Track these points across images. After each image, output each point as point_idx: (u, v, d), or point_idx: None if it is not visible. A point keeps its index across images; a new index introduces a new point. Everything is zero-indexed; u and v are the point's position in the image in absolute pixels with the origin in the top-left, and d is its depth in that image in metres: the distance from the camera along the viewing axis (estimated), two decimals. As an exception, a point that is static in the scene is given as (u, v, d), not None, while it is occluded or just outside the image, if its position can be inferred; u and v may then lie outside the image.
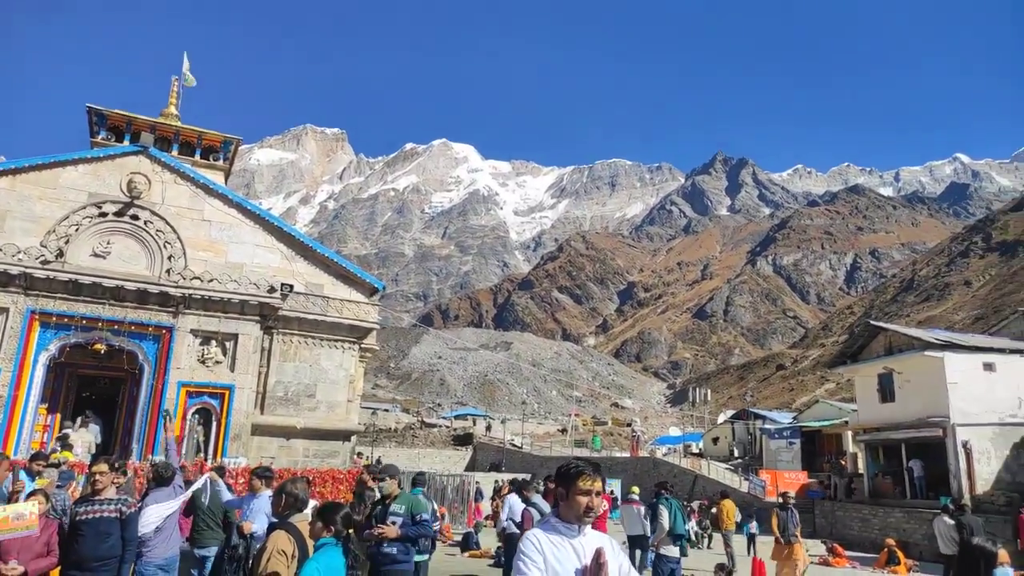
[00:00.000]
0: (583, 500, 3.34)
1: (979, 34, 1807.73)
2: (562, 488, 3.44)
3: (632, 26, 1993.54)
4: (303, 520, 4.60)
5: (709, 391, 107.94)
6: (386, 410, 79.81)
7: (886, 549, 20.25)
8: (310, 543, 4.30)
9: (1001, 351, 27.03)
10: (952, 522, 14.34)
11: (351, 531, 4.35)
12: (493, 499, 27.25)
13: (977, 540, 7.16)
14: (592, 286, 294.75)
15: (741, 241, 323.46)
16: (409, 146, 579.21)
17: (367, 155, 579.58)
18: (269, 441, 18.98)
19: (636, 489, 18.11)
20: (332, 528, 4.14)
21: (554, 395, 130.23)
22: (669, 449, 50.24)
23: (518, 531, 9.52)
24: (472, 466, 52.55)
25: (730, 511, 19.63)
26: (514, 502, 10.62)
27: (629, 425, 72.96)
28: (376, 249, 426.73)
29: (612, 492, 30.56)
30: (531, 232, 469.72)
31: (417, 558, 8.85)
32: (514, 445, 56.35)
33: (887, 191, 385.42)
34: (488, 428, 66.28)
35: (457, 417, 78.33)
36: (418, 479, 10.26)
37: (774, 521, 14.77)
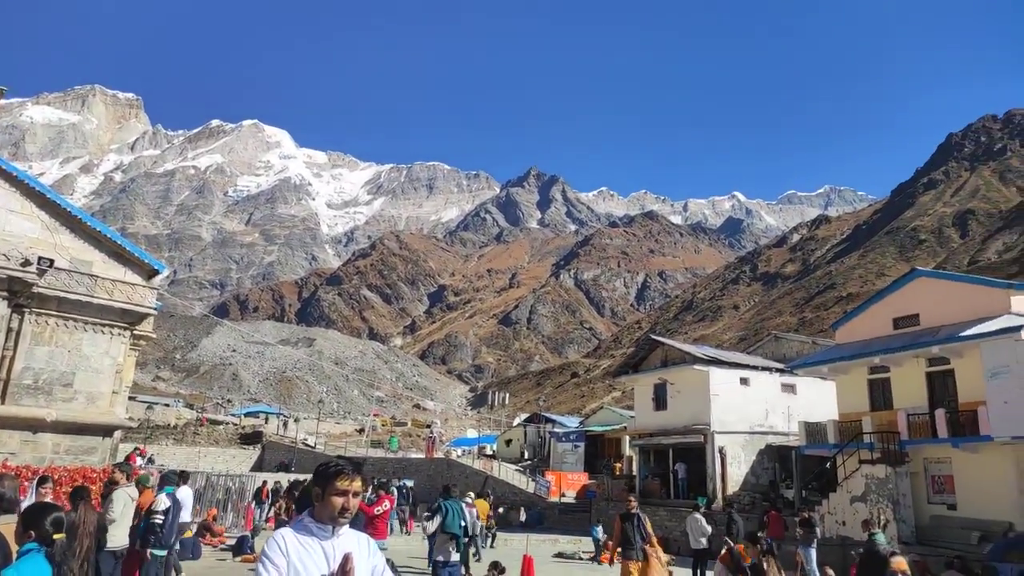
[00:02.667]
0: (339, 500, 3.23)
1: (752, 86, 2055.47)
2: (319, 487, 3.30)
3: (463, 34, 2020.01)
4: (8, 523, 3.97)
5: (508, 395, 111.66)
6: (166, 404, 73.24)
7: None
8: (15, 548, 3.71)
9: (755, 368, 30.73)
10: (701, 518, 15.88)
11: (64, 536, 3.80)
12: (275, 501, 25.94)
13: (881, 547, 7.91)
14: (403, 286, 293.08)
15: (548, 254, 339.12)
16: (215, 123, 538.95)
17: (166, 127, 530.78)
18: (9, 435, 16.52)
19: (472, 494, 19.76)
20: (36, 532, 3.58)
21: (356, 395, 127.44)
22: (464, 451, 51.14)
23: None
24: (260, 466, 49.80)
25: (483, 510, 20.53)
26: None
27: (429, 427, 73.19)
28: (169, 230, 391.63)
29: (395, 492, 30.33)
30: (344, 227, 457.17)
31: (157, 552, 8.74)
32: (307, 445, 54.25)
33: (676, 219, 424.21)
34: (284, 426, 63.28)
35: (248, 414, 73.89)
36: (168, 478, 9.47)
37: (616, 532, 12.03)
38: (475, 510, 18.71)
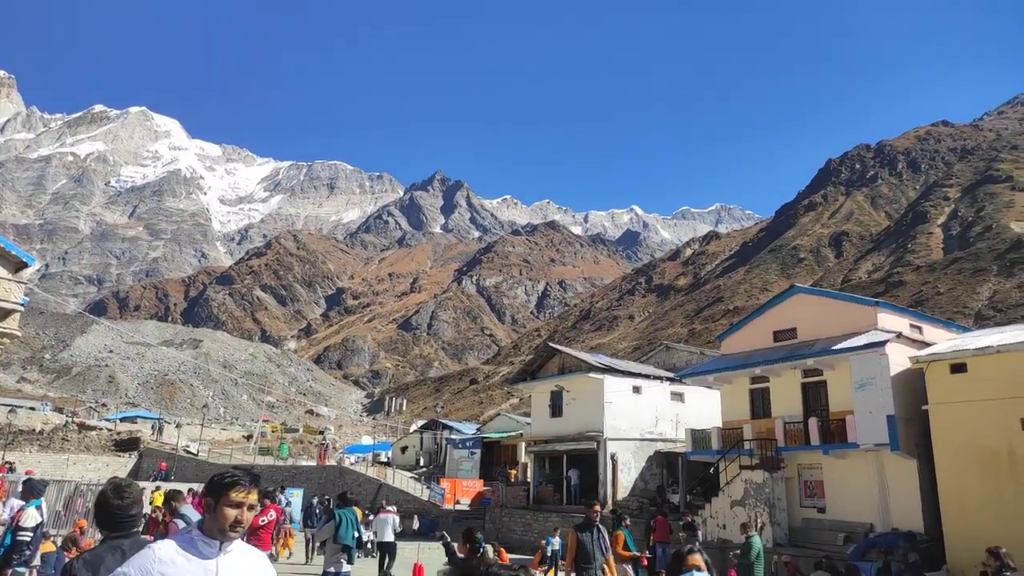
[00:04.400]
0: (231, 513, 3.03)
1: (651, 107, 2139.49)
2: (211, 498, 3.08)
3: (371, 33, 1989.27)
4: None
5: (405, 401, 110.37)
6: (32, 408, 67.59)
7: (540, 550, 22.32)
8: None
9: (647, 377, 31.75)
10: (385, 517, 17.44)
11: None
12: (153, 512, 24.42)
13: (682, 546, 8.20)
14: (299, 288, 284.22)
15: (450, 259, 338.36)
16: (98, 108, 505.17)
17: (43, 109, 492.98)
18: None
19: (386, 502, 19.88)
20: None
21: (245, 400, 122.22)
22: (358, 458, 50.02)
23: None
24: (136, 474, 46.79)
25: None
26: (187, 511, 9.64)
27: (322, 433, 71.18)
28: (42, 220, 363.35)
29: (289, 503, 29.29)
30: (237, 224, 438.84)
31: (20, 570, 8.05)
32: (188, 452, 51.47)
33: (577, 230, 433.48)
34: (159, 431, 59.78)
35: (124, 419, 69.24)
36: (34, 488, 8.72)
37: (569, 544, 9.89)
38: (395, 518, 18.42)
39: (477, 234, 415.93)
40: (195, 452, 52.04)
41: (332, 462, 44.69)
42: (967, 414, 17.73)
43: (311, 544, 20.80)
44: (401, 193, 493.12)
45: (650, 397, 30.62)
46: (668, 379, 31.42)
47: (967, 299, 77.92)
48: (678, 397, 31.35)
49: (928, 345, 20.76)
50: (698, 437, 25.34)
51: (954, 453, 17.90)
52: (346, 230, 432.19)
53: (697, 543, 7.44)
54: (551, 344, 36.91)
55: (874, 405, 19.47)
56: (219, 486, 3.10)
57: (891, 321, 21.38)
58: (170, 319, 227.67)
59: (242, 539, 3.20)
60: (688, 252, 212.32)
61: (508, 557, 23.82)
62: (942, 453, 18.18)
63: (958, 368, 18.27)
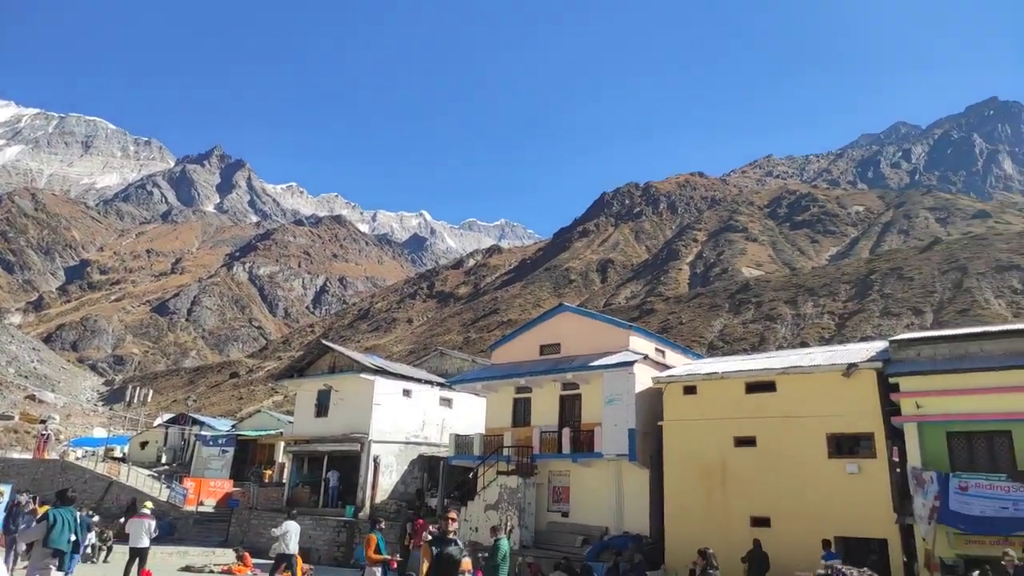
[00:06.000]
0: None
1: (451, 116, 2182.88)
2: None
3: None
4: None
5: (151, 392, 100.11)
6: None
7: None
8: None
9: (418, 381, 31.95)
10: (287, 526, 17.13)
11: None
12: None
13: (450, 549, 8.04)
14: (33, 255, 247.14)
15: (222, 242, 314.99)
16: None
17: None
18: None
19: (149, 504, 18.38)
20: None
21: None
22: (87, 452, 44.35)
23: None
24: None
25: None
26: None
27: (44, 422, 62.22)
28: None
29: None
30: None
31: None
32: None
33: (364, 228, 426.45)
34: None
35: None
36: None
37: (423, 559, 9.13)
38: (151, 522, 16.69)
39: (256, 219, 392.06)
40: None
41: (53, 455, 39.19)
42: (694, 431, 20.09)
43: (13, 549, 17.96)
44: (172, 164, 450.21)
45: (420, 401, 30.81)
46: (439, 384, 31.85)
47: (703, 330, 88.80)
48: (447, 403, 31.89)
49: (669, 368, 23.24)
50: (461, 442, 25.95)
51: (680, 465, 20.16)
52: (100, 196, 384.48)
53: (465, 548, 7.55)
54: (324, 341, 35.76)
55: (619, 419, 21.34)
56: None
57: (641, 344, 23.62)
58: None
59: None
60: (471, 262, 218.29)
61: (252, 562, 22.51)
62: (670, 464, 20.40)
63: (690, 390, 20.65)
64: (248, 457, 39.52)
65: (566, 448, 22.27)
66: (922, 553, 15.56)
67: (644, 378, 21.83)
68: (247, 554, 23.31)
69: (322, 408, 30.53)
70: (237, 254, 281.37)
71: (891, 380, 17.20)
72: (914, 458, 16.31)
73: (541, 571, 18.07)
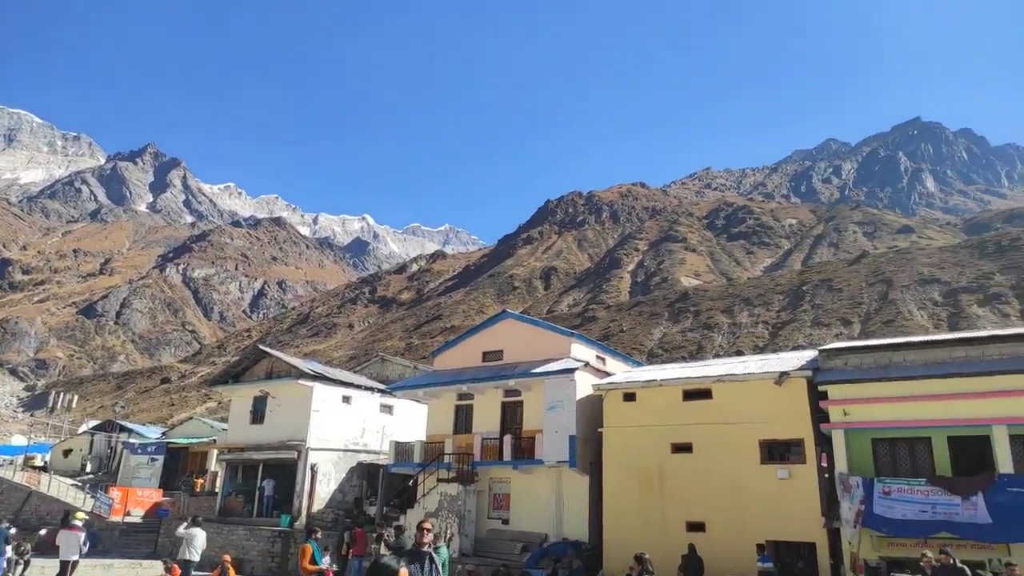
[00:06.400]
0: None
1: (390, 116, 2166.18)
2: None
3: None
4: None
5: (76, 397, 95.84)
6: None
7: (220, 566, 20.69)
8: None
9: (359, 387, 31.46)
10: (192, 532, 17.34)
11: None
12: None
13: (385, 559, 7.79)
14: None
15: (155, 243, 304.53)
16: None
17: None
18: None
19: (82, 515, 17.96)
20: None
21: None
22: (5, 461, 42.12)
23: None
24: None
25: None
26: None
27: (-44, 430, 58.84)
28: None
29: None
30: None
31: None
32: None
33: (305, 231, 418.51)
34: None
35: None
36: None
37: None
38: (82, 535, 16.19)
39: (191, 219, 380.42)
40: None
41: (-34, 465, 37.07)
42: (632, 437, 20.38)
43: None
44: (102, 161, 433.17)
45: (360, 408, 30.36)
46: (380, 391, 31.46)
47: (643, 338, 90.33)
48: (388, 409, 31.52)
49: (609, 375, 23.54)
50: (402, 450, 25.68)
51: (619, 471, 20.42)
52: (24, 192, 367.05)
53: (402, 558, 7.40)
54: (261, 346, 34.87)
55: (560, 426, 21.49)
56: None
57: (582, 351, 23.86)
58: None
59: None
60: (414, 268, 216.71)
61: (180, 574, 21.71)
62: (609, 471, 20.64)
63: (629, 397, 20.96)
64: (179, 466, 38.20)
65: (507, 455, 22.29)
66: (848, 556, 16.14)
67: (585, 385, 22.05)
68: (176, 566, 22.47)
69: (258, 415, 29.76)
70: (171, 255, 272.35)
71: (820, 388, 17.83)
72: (841, 464, 16.93)
73: (479, 578, 18.00)
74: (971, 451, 16.25)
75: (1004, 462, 15.46)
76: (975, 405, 15.97)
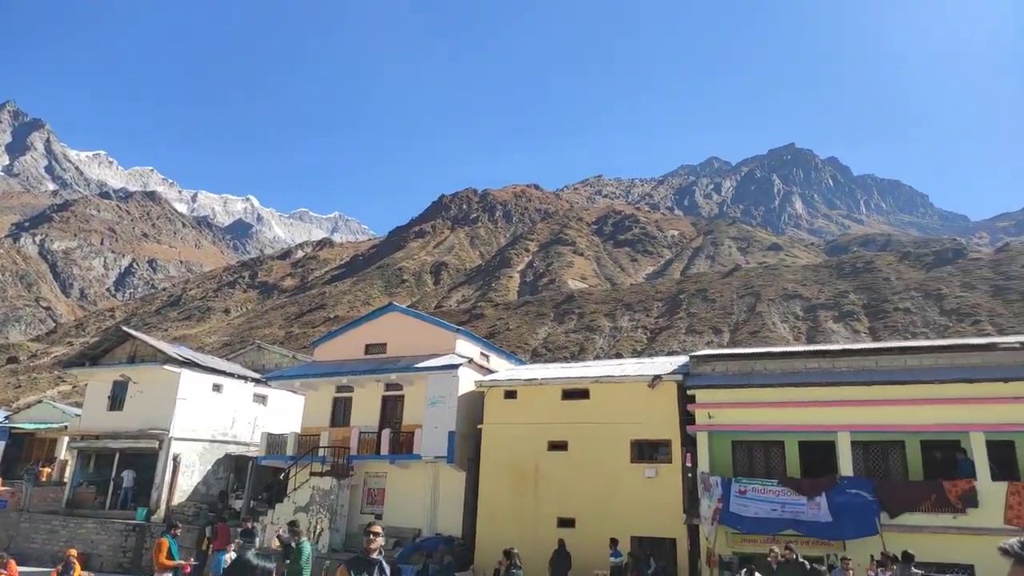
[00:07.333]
0: None
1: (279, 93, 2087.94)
2: None
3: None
4: None
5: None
6: None
7: (64, 561, 19.19)
8: None
9: (231, 375, 30.06)
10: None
11: None
12: None
13: (248, 554, 7.33)
14: None
15: (9, 209, 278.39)
16: None
17: None
18: None
19: None
20: None
21: None
22: None
23: None
24: None
25: None
26: None
27: None
28: None
29: None
30: None
31: None
32: None
33: (183, 208, 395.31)
34: None
35: None
36: None
37: None
38: None
39: (53, 187, 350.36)
40: None
41: None
42: (511, 434, 20.66)
43: None
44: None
45: (231, 397, 29.05)
46: (254, 380, 30.21)
47: (529, 337, 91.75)
48: (262, 400, 30.35)
49: (493, 372, 23.74)
50: (274, 442, 24.81)
51: (496, 468, 20.63)
52: None
53: (254, 551, 7.09)
54: (125, 328, 32.65)
55: (440, 421, 21.45)
56: None
57: (467, 348, 23.93)
58: None
59: None
60: (300, 254, 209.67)
61: (19, 570, 19.97)
62: (487, 467, 20.82)
63: (511, 395, 21.23)
64: (23, 453, 35.14)
65: (385, 449, 22.01)
66: (704, 551, 17.09)
67: (468, 382, 22.13)
68: (12, 561, 20.62)
69: (117, 401, 27.83)
70: (27, 224, 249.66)
71: (689, 392, 18.78)
72: (704, 464, 17.90)
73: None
74: (818, 455, 17.63)
75: (845, 466, 16.89)
76: (824, 413, 17.34)
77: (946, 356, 17.81)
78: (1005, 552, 1.33)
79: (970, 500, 15.53)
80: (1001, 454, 16.27)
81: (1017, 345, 17.58)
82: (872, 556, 14.81)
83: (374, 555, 6.54)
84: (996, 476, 15.84)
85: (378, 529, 6.80)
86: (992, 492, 15.53)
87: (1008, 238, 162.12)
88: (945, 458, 16.82)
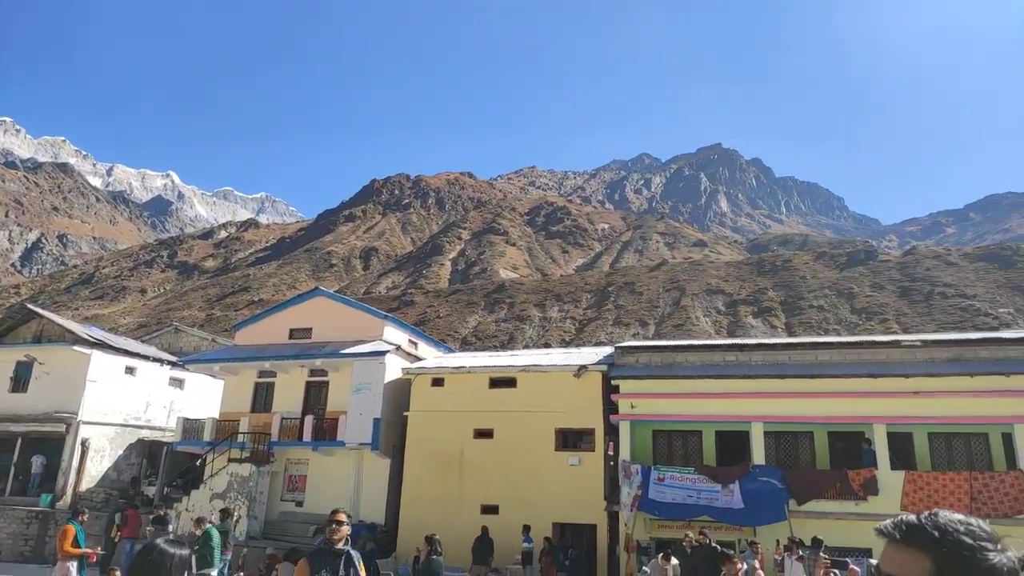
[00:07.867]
0: None
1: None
2: None
3: None
4: None
5: None
6: None
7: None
8: None
9: (145, 358, 28.88)
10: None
11: None
12: None
13: (159, 542, 6.96)
14: None
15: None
16: None
17: None
18: None
19: None
20: None
21: None
22: None
23: None
24: None
25: None
26: None
27: None
28: None
29: None
30: None
31: None
32: None
33: (97, 182, 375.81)
34: None
35: None
36: None
37: None
38: None
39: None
40: None
41: None
42: (437, 422, 20.63)
43: None
44: None
45: (145, 381, 27.93)
46: (170, 363, 29.11)
47: (459, 325, 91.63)
48: (178, 383, 29.29)
49: (420, 360, 23.62)
50: (190, 427, 24.01)
51: (421, 455, 20.58)
52: None
53: (165, 538, 6.85)
54: (30, 306, 30.89)
55: (366, 408, 21.22)
56: None
57: (395, 335, 23.71)
58: None
59: None
60: (223, 234, 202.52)
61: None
62: (412, 454, 20.75)
63: (438, 382, 21.19)
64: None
65: (308, 436, 21.63)
66: (623, 536, 17.55)
67: (395, 368, 21.95)
68: None
69: (20, 382, 26.35)
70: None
71: (613, 382, 19.19)
72: (625, 452, 18.35)
73: (279, 558, 17.32)
74: (733, 444, 18.35)
75: (758, 455, 17.63)
76: (739, 404, 18.04)
77: (854, 352, 18.79)
78: (880, 532, 1.40)
79: (871, 488, 16.48)
80: (900, 445, 17.33)
81: (918, 343, 18.72)
82: (779, 541, 15.54)
83: (339, 545, 5.73)
84: (895, 466, 16.87)
85: (342, 517, 6.01)
86: (892, 480, 16.52)
87: (915, 242, 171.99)
88: (849, 448, 17.79)
